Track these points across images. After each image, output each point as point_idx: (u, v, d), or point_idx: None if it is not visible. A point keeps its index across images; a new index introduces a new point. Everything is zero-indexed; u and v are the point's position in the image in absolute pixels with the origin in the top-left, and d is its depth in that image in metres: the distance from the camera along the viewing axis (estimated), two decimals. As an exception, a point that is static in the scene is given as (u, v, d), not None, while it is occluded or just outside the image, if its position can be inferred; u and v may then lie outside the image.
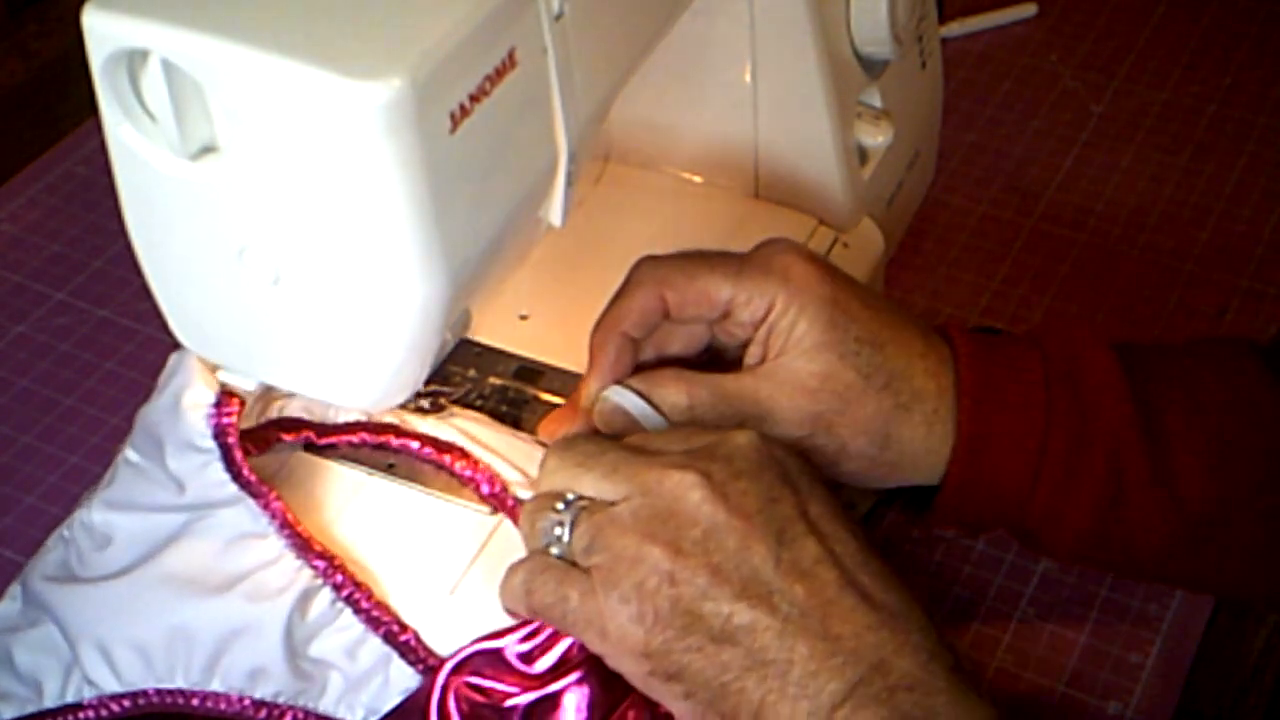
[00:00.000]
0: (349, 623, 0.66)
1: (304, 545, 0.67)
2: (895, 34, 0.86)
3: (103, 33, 0.57)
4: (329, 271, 0.60)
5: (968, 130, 1.09)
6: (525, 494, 0.70)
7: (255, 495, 0.67)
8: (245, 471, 0.67)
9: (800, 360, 0.68)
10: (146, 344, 0.93)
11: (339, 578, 0.66)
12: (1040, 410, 0.69)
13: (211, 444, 0.67)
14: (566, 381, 0.77)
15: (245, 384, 0.70)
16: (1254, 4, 1.20)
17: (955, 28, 1.17)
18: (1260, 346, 0.73)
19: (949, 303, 0.96)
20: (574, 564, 0.62)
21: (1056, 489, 0.69)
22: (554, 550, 0.63)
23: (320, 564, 0.66)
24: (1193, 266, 0.99)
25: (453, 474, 0.71)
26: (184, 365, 0.68)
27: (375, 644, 0.66)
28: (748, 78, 0.85)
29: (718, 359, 0.72)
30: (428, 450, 0.72)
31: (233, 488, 0.67)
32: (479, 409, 0.75)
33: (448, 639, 0.67)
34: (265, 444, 0.72)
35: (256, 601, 0.65)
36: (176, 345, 0.68)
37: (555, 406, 0.75)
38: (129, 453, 0.70)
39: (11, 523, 0.84)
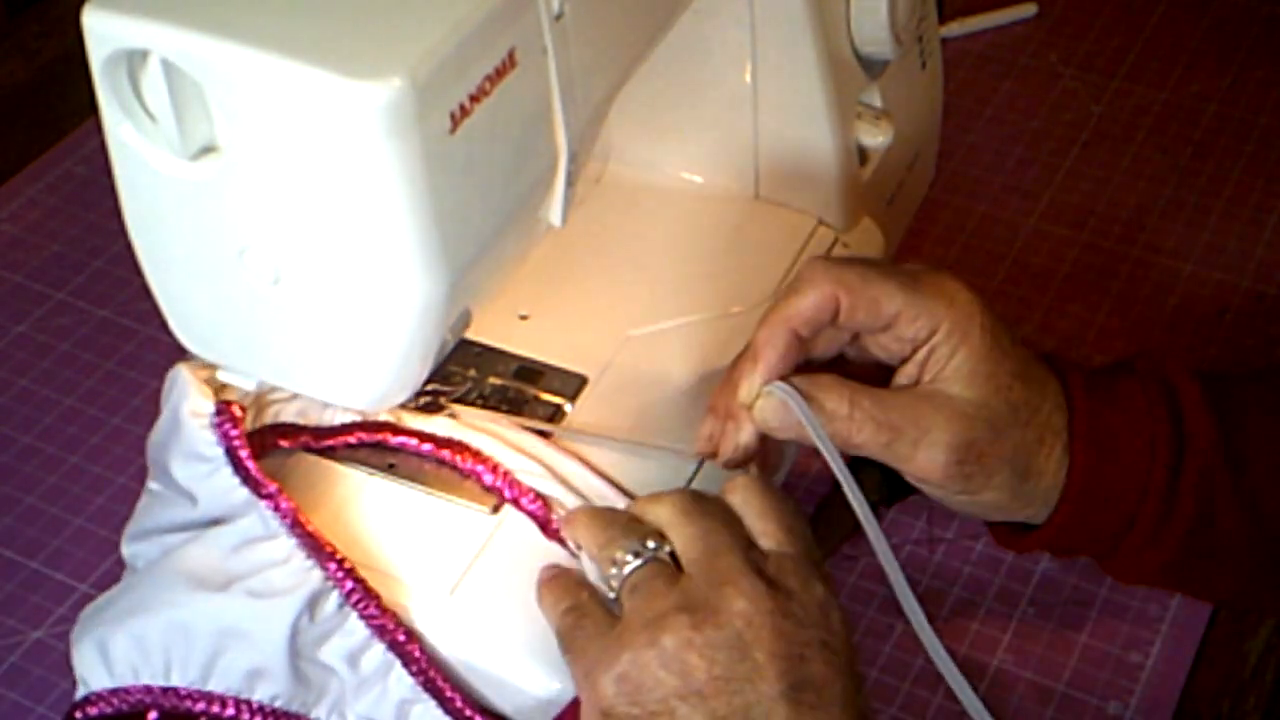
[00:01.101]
0: (354, 628, 0.66)
1: (316, 546, 0.66)
2: (895, 34, 0.86)
3: (103, 33, 0.57)
4: (329, 271, 0.60)
5: (968, 130, 1.09)
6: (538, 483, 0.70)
7: (266, 497, 0.66)
8: (254, 472, 0.67)
9: (958, 387, 0.68)
10: (146, 344, 0.93)
11: (349, 583, 0.66)
12: (1145, 447, 0.70)
13: (217, 450, 0.67)
14: (567, 381, 0.77)
15: (245, 384, 0.70)
16: (1254, 4, 1.20)
17: (955, 28, 1.17)
18: None
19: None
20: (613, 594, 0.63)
21: (1153, 522, 0.70)
22: (611, 573, 0.63)
23: (332, 566, 0.66)
24: (1193, 266, 0.99)
25: (454, 468, 0.71)
26: (179, 381, 0.68)
27: (378, 651, 0.66)
28: (748, 78, 0.85)
29: (845, 369, 0.71)
30: (427, 447, 0.72)
31: (243, 492, 0.66)
32: (479, 408, 0.75)
33: (448, 639, 0.67)
34: (261, 450, 0.71)
35: (261, 598, 0.65)
36: (177, 345, 0.67)
37: (556, 406, 0.75)
38: (151, 484, 0.70)
39: (12, 523, 0.84)
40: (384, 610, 0.66)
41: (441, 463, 0.72)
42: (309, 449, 0.72)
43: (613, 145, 0.89)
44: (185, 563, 0.67)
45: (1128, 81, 1.14)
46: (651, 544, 0.63)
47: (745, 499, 0.65)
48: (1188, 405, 0.70)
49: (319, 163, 0.57)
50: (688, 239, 0.85)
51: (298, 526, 0.66)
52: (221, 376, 0.70)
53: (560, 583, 0.65)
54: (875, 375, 0.70)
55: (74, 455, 0.87)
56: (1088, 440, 0.69)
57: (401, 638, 0.66)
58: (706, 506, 0.64)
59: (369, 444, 0.73)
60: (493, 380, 0.77)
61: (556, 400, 0.76)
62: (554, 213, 0.67)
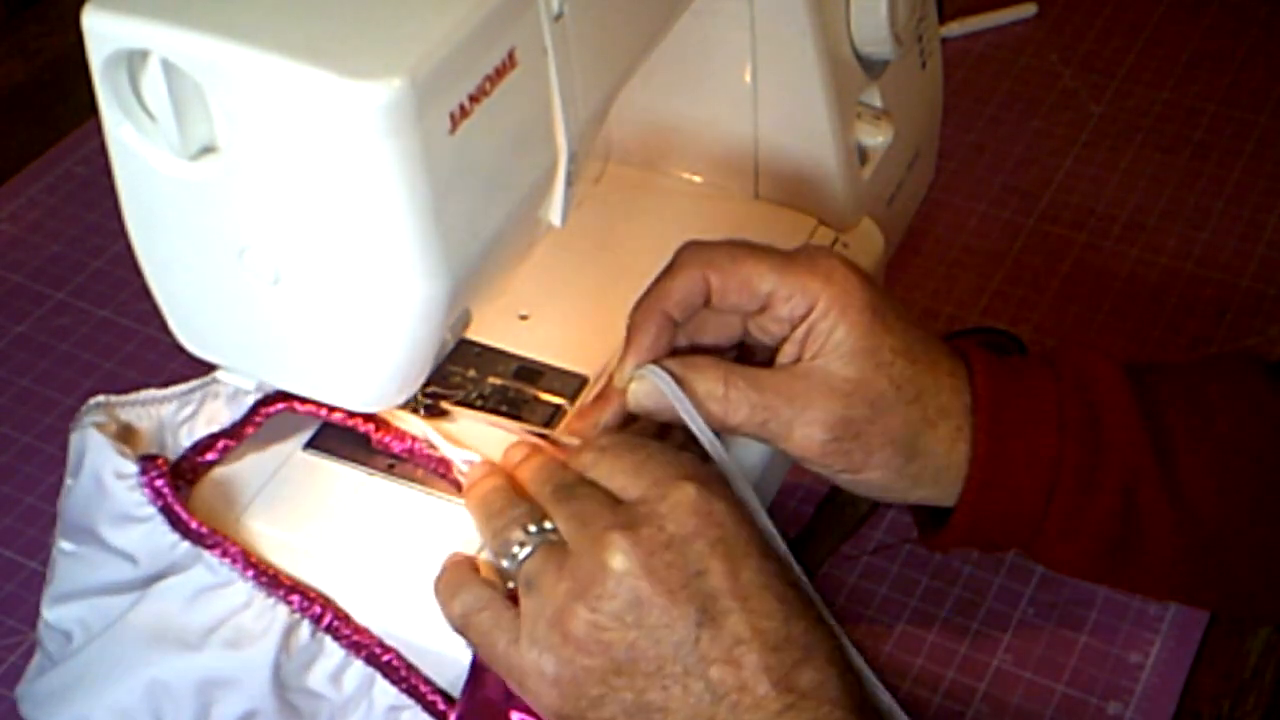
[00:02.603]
0: (331, 651, 0.67)
1: (273, 582, 0.66)
2: (895, 34, 0.86)
3: (103, 33, 0.57)
4: (329, 271, 0.60)
5: (968, 130, 1.09)
6: None
7: (210, 546, 0.66)
8: (194, 525, 0.67)
9: (836, 364, 0.68)
10: (146, 344, 0.93)
11: (316, 609, 0.66)
12: (1053, 428, 0.69)
13: (149, 509, 0.67)
14: (566, 381, 0.77)
15: (245, 383, 0.70)
16: (1254, 4, 1.20)
17: (955, 28, 1.17)
18: (1267, 362, 0.73)
19: (949, 303, 0.96)
20: (512, 590, 0.64)
21: (1070, 507, 0.69)
22: (504, 563, 0.64)
23: (295, 599, 0.66)
24: (1193, 266, 0.99)
25: (447, 475, 0.71)
26: (91, 444, 0.68)
27: (358, 668, 0.66)
28: (748, 78, 0.85)
29: (746, 358, 0.72)
30: (338, 416, 0.71)
31: (184, 545, 0.67)
32: (479, 409, 0.75)
33: (448, 639, 0.67)
34: (193, 477, 0.71)
35: (239, 648, 0.66)
36: (176, 345, 0.67)
37: (556, 406, 0.75)
38: (62, 544, 0.70)
39: (11, 523, 0.84)
40: (356, 628, 0.67)
41: (440, 469, 0.72)
42: (230, 448, 0.72)
43: (613, 145, 0.89)
44: (144, 623, 0.67)
45: (1128, 81, 1.14)
46: (542, 526, 0.64)
47: (595, 474, 0.65)
48: (1106, 397, 0.70)
49: (319, 163, 0.57)
50: (688, 239, 0.85)
51: (250, 568, 0.66)
52: (222, 377, 0.70)
53: (455, 577, 0.66)
54: (771, 361, 0.70)
55: (74, 455, 0.87)
56: (989, 425, 0.69)
57: (378, 650, 0.66)
58: (575, 486, 0.65)
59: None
60: (493, 380, 0.77)
61: (556, 400, 0.76)
62: (554, 213, 0.67)
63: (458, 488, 0.71)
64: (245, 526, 0.70)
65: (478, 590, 0.65)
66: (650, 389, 0.68)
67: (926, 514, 0.74)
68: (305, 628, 0.66)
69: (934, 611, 0.79)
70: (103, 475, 0.67)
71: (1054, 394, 0.70)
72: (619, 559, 0.61)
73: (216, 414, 0.71)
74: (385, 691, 0.66)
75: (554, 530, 0.64)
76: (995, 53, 1.16)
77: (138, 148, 0.60)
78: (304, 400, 0.70)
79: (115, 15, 0.57)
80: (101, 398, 0.71)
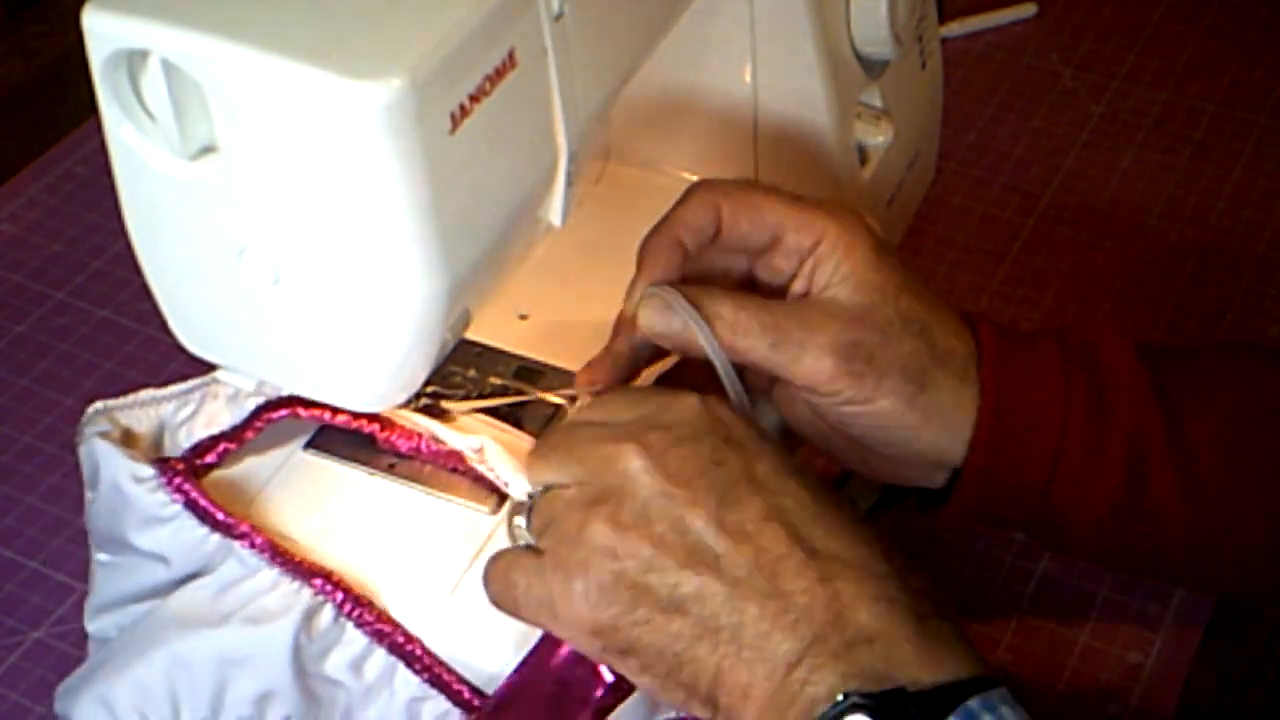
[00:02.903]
0: (353, 637, 0.66)
1: (298, 567, 0.66)
2: (895, 34, 0.86)
3: (103, 33, 0.57)
4: (329, 271, 0.60)
5: (968, 130, 1.09)
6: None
7: (239, 536, 0.66)
8: (220, 516, 0.67)
9: (844, 292, 0.68)
10: (146, 344, 0.93)
11: (339, 595, 0.66)
12: (1059, 386, 0.69)
13: (174, 508, 0.67)
14: (567, 381, 0.76)
15: (245, 384, 0.70)
16: (1254, 4, 1.20)
17: (955, 28, 1.17)
18: (1271, 349, 0.74)
19: (949, 302, 0.96)
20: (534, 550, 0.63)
21: (1078, 471, 0.69)
22: (522, 542, 0.64)
23: (318, 582, 0.66)
24: (1193, 267, 0.99)
25: (455, 470, 0.71)
26: (102, 454, 0.68)
27: (380, 656, 0.66)
28: (748, 78, 0.85)
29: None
30: (342, 419, 0.71)
31: (214, 538, 0.67)
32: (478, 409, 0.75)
33: (448, 639, 0.67)
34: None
35: (258, 624, 0.65)
36: (177, 345, 0.67)
37: (556, 406, 0.75)
38: (98, 556, 0.70)
39: (11, 522, 0.84)
40: (379, 616, 0.66)
41: (441, 465, 0.72)
42: (230, 451, 0.72)
43: (613, 145, 0.89)
44: (173, 611, 0.67)
45: (1128, 81, 1.14)
46: (532, 494, 0.64)
47: (584, 409, 0.66)
48: (1110, 361, 0.70)
49: (319, 163, 0.57)
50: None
51: (278, 556, 0.66)
52: (222, 376, 0.70)
53: (494, 572, 0.65)
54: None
55: (73, 455, 0.87)
56: (996, 381, 0.69)
57: (401, 639, 0.66)
58: (549, 436, 0.65)
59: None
60: (493, 380, 0.77)
61: (557, 400, 0.76)
62: (554, 213, 0.67)
63: (470, 479, 0.71)
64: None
65: (496, 554, 0.64)
66: (660, 308, 0.68)
67: (930, 496, 0.74)
68: (328, 611, 0.66)
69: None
70: (121, 482, 0.67)
71: (1058, 354, 0.70)
72: (633, 462, 0.60)
73: (216, 415, 0.71)
74: (407, 681, 0.66)
75: (547, 489, 0.64)
76: (995, 53, 1.16)
77: (138, 148, 0.60)
78: (308, 405, 0.70)
79: (115, 15, 0.57)
80: (100, 404, 0.71)
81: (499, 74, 0.59)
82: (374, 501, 0.71)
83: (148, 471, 0.67)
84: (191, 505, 0.67)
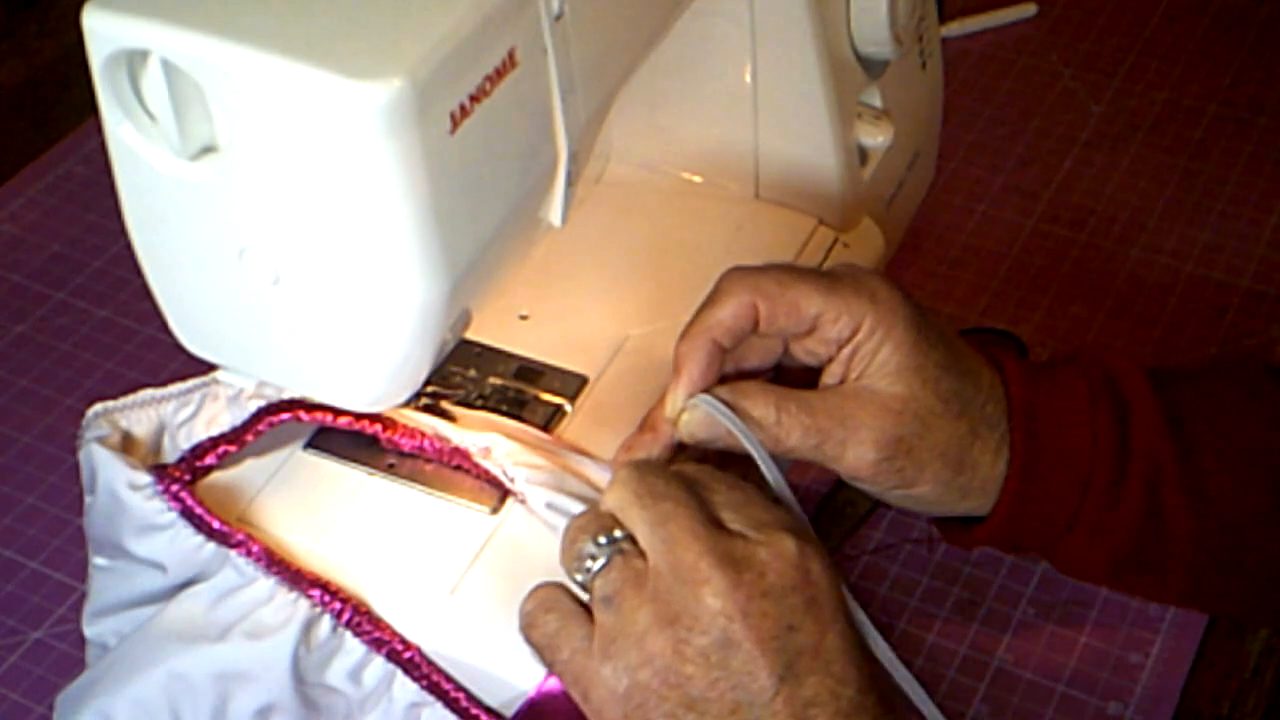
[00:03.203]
0: (352, 647, 0.66)
1: (295, 577, 0.66)
2: (895, 34, 0.86)
3: (103, 33, 0.57)
4: (329, 271, 0.60)
5: (968, 130, 1.09)
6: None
7: (235, 545, 0.66)
8: (216, 525, 0.67)
9: (884, 382, 0.68)
10: (146, 344, 0.93)
11: (336, 604, 0.66)
12: (1087, 430, 0.69)
13: (170, 515, 0.67)
14: (567, 381, 0.77)
15: (245, 383, 0.70)
16: (1254, 4, 1.20)
17: (955, 28, 1.17)
18: (1275, 368, 0.74)
19: (949, 303, 0.96)
20: (586, 604, 0.63)
21: (1100, 508, 0.70)
22: (578, 577, 0.63)
23: (315, 593, 0.66)
24: (1193, 267, 0.99)
25: (457, 468, 0.71)
26: (100, 460, 0.68)
27: (378, 664, 0.66)
28: (748, 78, 0.85)
29: (783, 377, 0.71)
30: (344, 420, 0.71)
31: (210, 546, 0.66)
32: (479, 409, 0.75)
33: (448, 639, 0.67)
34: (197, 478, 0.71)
35: (258, 639, 0.65)
36: (176, 345, 0.67)
37: (556, 406, 0.75)
38: (96, 560, 0.70)
39: (11, 522, 0.84)
40: (377, 624, 0.66)
41: (443, 463, 0.72)
42: (230, 454, 0.72)
43: (613, 145, 0.89)
44: (169, 623, 0.66)
45: (1128, 81, 1.14)
46: (604, 539, 0.63)
47: (702, 474, 0.64)
48: (1131, 394, 0.70)
49: (319, 163, 0.57)
50: (688, 239, 0.85)
51: (274, 564, 0.66)
52: (222, 376, 0.70)
53: (538, 588, 0.65)
54: (808, 380, 0.70)
55: (73, 455, 0.87)
56: (1026, 430, 0.69)
57: (399, 646, 0.66)
58: (656, 484, 0.63)
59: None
60: (493, 380, 0.77)
61: (556, 400, 0.76)
62: (554, 213, 0.67)
63: (471, 478, 0.71)
64: (245, 526, 0.70)
65: (551, 592, 0.64)
66: (703, 418, 0.68)
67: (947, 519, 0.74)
68: (326, 622, 0.66)
69: (934, 611, 0.79)
70: (117, 489, 0.67)
71: (1086, 395, 0.70)
72: (718, 599, 0.60)
73: (217, 416, 0.71)
74: (405, 688, 0.66)
75: (626, 538, 0.63)
76: (995, 53, 1.16)
77: (138, 148, 0.60)
78: (310, 408, 0.70)
79: (115, 15, 0.57)
80: (100, 406, 0.70)
81: (499, 74, 0.59)
82: (374, 501, 0.71)
83: (144, 479, 0.67)
84: (187, 514, 0.67)
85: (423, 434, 0.71)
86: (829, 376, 0.69)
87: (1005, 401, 0.70)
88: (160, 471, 0.67)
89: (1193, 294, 0.97)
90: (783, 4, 0.82)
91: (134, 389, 0.81)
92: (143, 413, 0.71)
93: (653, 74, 0.80)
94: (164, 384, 0.72)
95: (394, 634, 0.66)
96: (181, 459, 0.69)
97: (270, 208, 0.59)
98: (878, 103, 0.90)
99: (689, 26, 0.80)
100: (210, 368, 0.70)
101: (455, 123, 0.58)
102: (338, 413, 0.70)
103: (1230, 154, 1.07)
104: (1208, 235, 1.01)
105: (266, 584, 0.66)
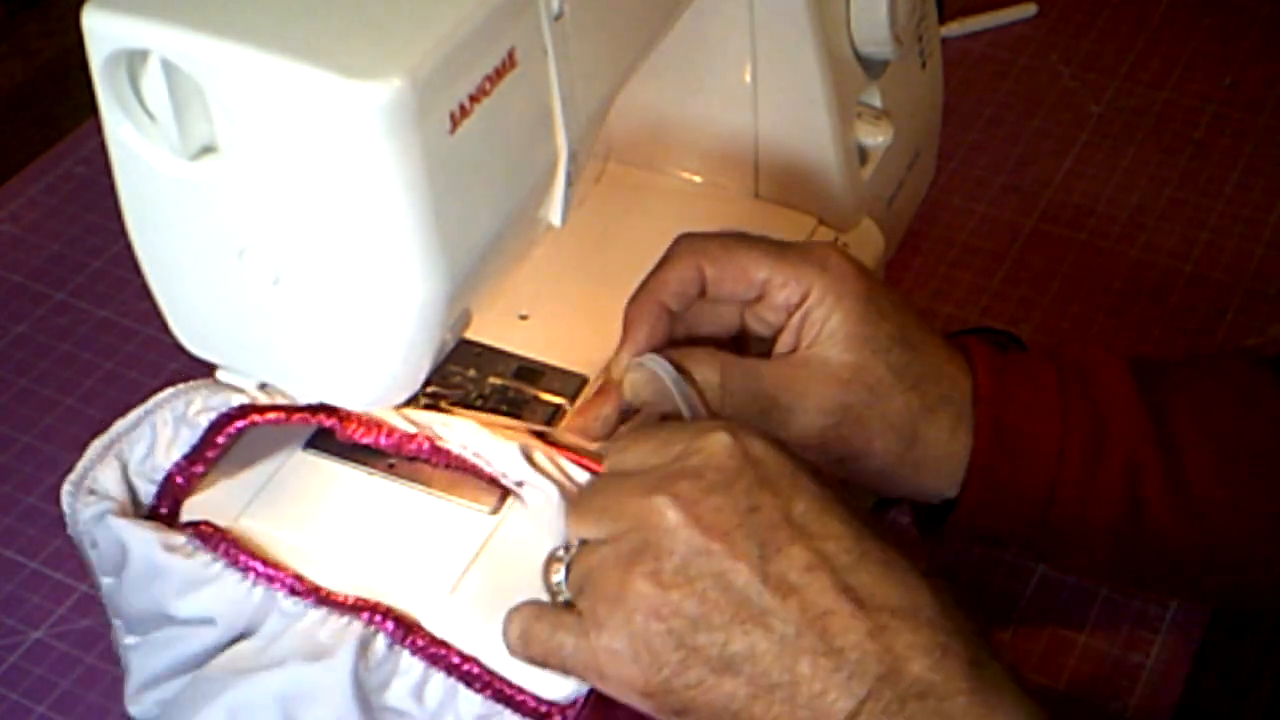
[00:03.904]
0: (409, 665, 0.65)
1: (343, 605, 0.66)
2: (895, 34, 0.86)
3: (103, 33, 0.57)
4: (329, 271, 0.60)
5: (968, 130, 1.09)
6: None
7: (279, 583, 0.66)
8: (260, 565, 0.66)
9: (833, 350, 0.68)
10: (147, 344, 0.93)
11: (389, 624, 0.65)
12: (1056, 417, 0.69)
13: (217, 566, 0.66)
14: (567, 381, 0.77)
15: (246, 384, 0.70)
16: (1254, 4, 1.20)
17: (955, 28, 1.17)
18: (1265, 358, 0.74)
19: (949, 303, 0.97)
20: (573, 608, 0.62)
21: (1075, 498, 0.69)
22: (560, 598, 0.63)
23: (365, 615, 0.65)
24: (1193, 267, 0.99)
25: (458, 468, 0.71)
26: (128, 535, 0.67)
27: (439, 680, 0.65)
28: (748, 77, 0.85)
29: (744, 348, 0.72)
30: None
31: (259, 590, 0.66)
32: (479, 409, 0.75)
33: (448, 639, 0.66)
34: (205, 459, 0.71)
35: (316, 659, 0.64)
36: (177, 345, 0.67)
37: (556, 406, 0.75)
38: (126, 640, 0.69)
39: (12, 522, 0.84)
40: (431, 639, 0.65)
41: (441, 464, 0.72)
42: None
43: (613, 145, 0.89)
44: (222, 666, 0.66)
45: (1128, 81, 1.14)
46: (562, 552, 0.63)
47: (617, 450, 0.64)
48: (1106, 384, 0.70)
49: (319, 163, 0.57)
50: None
51: (321, 598, 0.66)
52: (222, 376, 0.70)
53: (512, 611, 0.64)
54: (767, 352, 0.70)
55: (74, 455, 0.87)
56: (992, 414, 0.69)
57: (456, 659, 0.65)
58: (586, 491, 0.64)
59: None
60: (493, 380, 0.77)
61: (556, 400, 0.76)
62: (554, 213, 0.67)
63: (471, 478, 0.70)
64: (245, 527, 0.70)
65: (528, 607, 0.63)
66: (648, 378, 0.67)
67: (928, 512, 0.74)
68: (380, 640, 0.65)
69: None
70: (153, 556, 0.66)
71: (1055, 383, 0.70)
72: (666, 515, 0.59)
73: (173, 438, 0.70)
74: (470, 700, 0.65)
75: (583, 543, 0.62)
76: (995, 53, 1.16)
77: (138, 148, 0.60)
78: (261, 411, 0.69)
79: (115, 15, 0.57)
80: (71, 480, 0.68)
81: (499, 74, 0.59)
82: (374, 501, 0.71)
83: (179, 539, 0.66)
84: (232, 561, 0.66)
85: (379, 426, 0.71)
86: (781, 345, 0.69)
87: (969, 380, 0.69)
88: (192, 528, 0.67)
89: (1193, 294, 0.97)
90: (783, 4, 0.82)
91: (134, 389, 0.81)
92: (106, 467, 0.69)
93: (653, 74, 0.80)
94: (164, 384, 0.71)
95: (450, 647, 0.65)
96: (159, 497, 0.69)
97: (270, 208, 0.59)
98: (878, 103, 0.90)
99: (689, 26, 0.80)
100: (209, 368, 0.70)
101: (455, 123, 0.58)
102: (290, 411, 0.69)
103: (1230, 154, 1.07)
104: (1208, 235, 1.01)
105: (317, 614, 0.65)
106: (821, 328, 0.68)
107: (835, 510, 0.60)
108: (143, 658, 0.69)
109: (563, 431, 0.72)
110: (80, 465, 0.69)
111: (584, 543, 0.62)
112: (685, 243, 0.70)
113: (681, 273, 0.69)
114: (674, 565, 0.59)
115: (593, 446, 0.69)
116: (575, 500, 0.64)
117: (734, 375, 0.67)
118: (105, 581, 0.69)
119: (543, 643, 0.62)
